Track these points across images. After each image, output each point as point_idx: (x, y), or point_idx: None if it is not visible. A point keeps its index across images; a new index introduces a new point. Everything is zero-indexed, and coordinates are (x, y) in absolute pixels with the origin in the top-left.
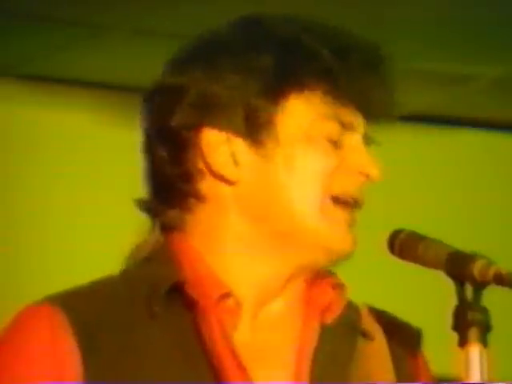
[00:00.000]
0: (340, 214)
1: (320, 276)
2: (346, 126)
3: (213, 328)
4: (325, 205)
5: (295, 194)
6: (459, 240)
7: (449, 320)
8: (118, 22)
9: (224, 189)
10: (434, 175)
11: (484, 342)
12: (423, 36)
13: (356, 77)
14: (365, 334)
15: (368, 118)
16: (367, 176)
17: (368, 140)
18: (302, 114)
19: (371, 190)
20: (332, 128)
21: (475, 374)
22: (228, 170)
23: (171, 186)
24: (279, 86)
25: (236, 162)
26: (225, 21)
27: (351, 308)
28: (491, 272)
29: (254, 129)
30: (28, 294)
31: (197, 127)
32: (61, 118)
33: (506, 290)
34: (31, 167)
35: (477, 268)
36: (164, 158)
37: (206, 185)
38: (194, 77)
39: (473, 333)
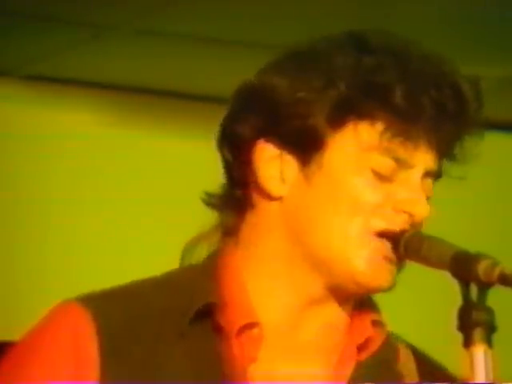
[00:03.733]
0: (378, 249)
1: (362, 309)
2: (401, 162)
3: (233, 356)
4: (363, 238)
5: (333, 223)
6: (461, 239)
7: (454, 320)
8: (118, 22)
9: (271, 202)
10: None
11: (489, 342)
12: (424, 36)
13: (425, 116)
14: (398, 375)
15: (442, 155)
16: (411, 214)
17: (435, 175)
18: (353, 144)
19: None
20: (382, 162)
21: (480, 375)
22: (273, 186)
23: (233, 188)
24: (343, 112)
25: (283, 179)
26: (223, 21)
27: (389, 347)
28: (496, 272)
29: (307, 148)
30: (26, 295)
31: (254, 138)
32: (61, 118)
33: (510, 290)
34: (31, 167)
35: (481, 268)
36: (229, 160)
37: (256, 196)
38: (270, 84)
39: (478, 333)
